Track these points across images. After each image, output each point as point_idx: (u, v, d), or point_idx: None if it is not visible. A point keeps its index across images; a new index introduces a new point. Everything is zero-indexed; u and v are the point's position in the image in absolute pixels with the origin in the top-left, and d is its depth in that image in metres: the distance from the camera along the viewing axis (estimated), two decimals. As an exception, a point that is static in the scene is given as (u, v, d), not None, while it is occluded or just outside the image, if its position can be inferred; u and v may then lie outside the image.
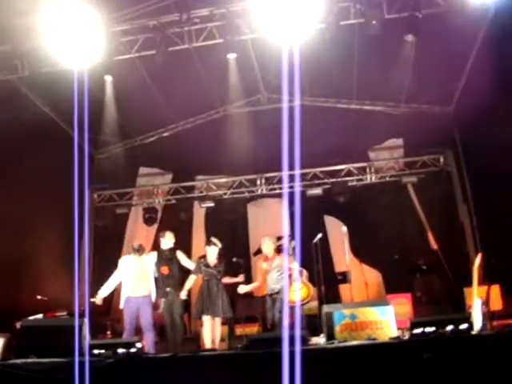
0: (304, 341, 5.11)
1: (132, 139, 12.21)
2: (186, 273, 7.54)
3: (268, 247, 7.56)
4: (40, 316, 7.79)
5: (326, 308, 5.93)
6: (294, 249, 7.85)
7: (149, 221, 12.03)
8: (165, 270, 7.37)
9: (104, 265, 10.65)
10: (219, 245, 7.43)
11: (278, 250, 7.84)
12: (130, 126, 11.55)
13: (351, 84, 10.47)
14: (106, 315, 9.89)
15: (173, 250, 7.57)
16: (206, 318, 7.11)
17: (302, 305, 7.84)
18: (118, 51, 8.49)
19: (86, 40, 7.66)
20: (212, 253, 7.38)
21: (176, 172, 12.50)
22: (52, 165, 9.12)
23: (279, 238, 8.83)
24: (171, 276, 7.35)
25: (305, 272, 7.90)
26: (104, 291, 7.43)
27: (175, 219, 11.59)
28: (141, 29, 8.36)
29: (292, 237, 7.85)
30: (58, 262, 8.72)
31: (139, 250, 7.48)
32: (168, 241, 7.55)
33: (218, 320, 7.21)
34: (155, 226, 12.04)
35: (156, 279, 7.41)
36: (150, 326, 7.14)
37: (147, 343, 6.94)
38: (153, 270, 7.43)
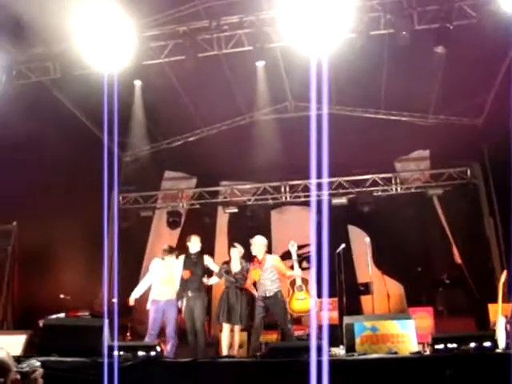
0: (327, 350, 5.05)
1: (158, 143, 12.28)
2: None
3: (259, 249, 7.32)
4: (62, 315, 7.86)
5: (346, 319, 5.87)
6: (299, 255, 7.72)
7: (172, 224, 12.08)
8: (186, 274, 7.34)
9: (126, 267, 10.76)
10: (241, 248, 7.38)
11: (301, 258, 7.75)
12: (157, 129, 11.64)
13: (379, 94, 10.39)
14: (128, 316, 9.92)
15: (200, 254, 7.52)
16: (225, 325, 7.11)
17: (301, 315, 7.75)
18: (147, 56, 8.58)
19: (116, 44, 7.74)
20: (235, 258, 7.34)
21: (201, 177, 12.55)
22: (81, 167, 9.25)
23: (302, 247, 8.77)
24: (192, 280, 7.29)
25: (309, 280, 7.78)
26: (136, 293, 7.50)
27: (199, 224, 11.60)
28: (171, 34, 8.42)
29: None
30: (81, 262, 8.81)
31: (169, 251, 7.47)
32: (194, 244, 7.50)
33: (237, 327, 7.17)
34: (178, 229, 12.09)
35: (181, 283, 7.40)
36: (173, 333, 7.13)
37: (168, 347, 6.93)
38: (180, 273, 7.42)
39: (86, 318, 8.11)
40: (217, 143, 11.52)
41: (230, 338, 7.10)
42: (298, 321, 9.20)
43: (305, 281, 7.69)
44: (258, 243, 7.30)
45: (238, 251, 7.39)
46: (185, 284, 7.28)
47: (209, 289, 7.56)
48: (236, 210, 11.85)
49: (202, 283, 7.30)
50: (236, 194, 12.18)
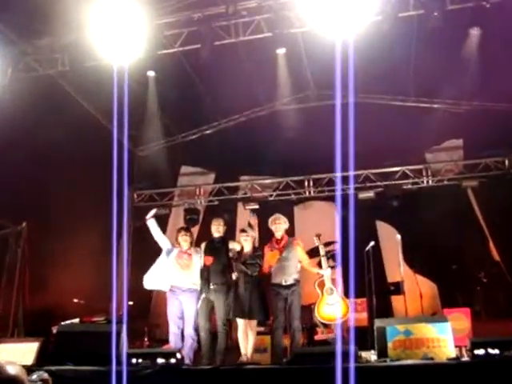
0: (354, 357, 4.97)
1: (174, 137, 12.28)
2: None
3: (278, 227, 7.00)
4: (77, 320, 7.87)
5: (378, 322, 5.78)
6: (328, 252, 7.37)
7: (190, 222, 12.03)
8: (208, 260, 6.84)
9: (141, 269, 10.77)
10: (252, 233, 7.04)
11: (329, 256, 7.54)
12: (172, 122, 11.65)
13: (408, 80, 10.23)
14: (144, 320, 9.95)
15: (224, 240, 7.06)
16: (240, 321, 6.70)
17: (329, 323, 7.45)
18: (161, 45, 8.54)
19: (128, 33, 7.69)
20: (247, 244, 6.91)
21: (219, 172, 12.53)
22: (92, 162, 9.26)
23: (328, 244, 8.67)
24: (215, 269, 6.76)
25: (340, 282, 7.22)
26: (150, 277, 7.05)
27: (217, 222, 11.58)
28: (185, 22, 8.36)
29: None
30: (95, 264, 8.83)
31: (185, 231, 7.15)
32: (217, 228, 7.09)
33: (252, 323, 6.74)
34: (197, 227, 12.07)
35: (201, 271, 6.86)
36: (193, 332, 6.66)
37: (185, 349, 6.58)
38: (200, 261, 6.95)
39: (101, 323, 8.10)
40: (235, 136, 11.50)
41: (244, 339, 6.69)
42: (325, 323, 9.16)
43: (334, 282, 7.34)
44: (278, 221, 7.01)
45: (249, 236, 6.97)
46: (207, 272, 6.77)
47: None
48: (257, 207, 11.77)
49: (227, 274, 6.78)
50: (256, 189, 12.13)
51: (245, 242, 6.95)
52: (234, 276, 6.80)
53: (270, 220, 7.11)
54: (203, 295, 6.74)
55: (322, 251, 7.17)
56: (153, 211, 7.39)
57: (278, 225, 7.02)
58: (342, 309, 6.95)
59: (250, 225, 8.08)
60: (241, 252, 6.95)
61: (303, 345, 8.68)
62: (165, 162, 12.16)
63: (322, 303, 6.97)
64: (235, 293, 6.69)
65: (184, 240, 7.05)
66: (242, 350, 6.66)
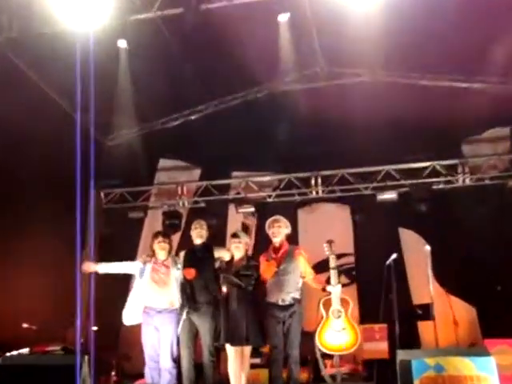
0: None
1: (150, 123, 12.25)
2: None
3: (277, 231, 6.92)
4: (26, 351, 7.80)
5: (401, 354, 5.73)
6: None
7: (170, 228, 12.00)
8: (189, 273, 6.75)
9: (111, 285, 10.73)
10: (246, 238, 6.95)
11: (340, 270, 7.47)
12: (149, 105, 11.56)
13: (441, 54, 10.16)
14: (112, 350, 9.91)
15: (207, 248, 6.96)
16: (231, 349, 6.61)
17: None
18: (135, 9, 8.49)
19: (93, -6, 7.65)
20: (238, 252, 6.83)
21: (206, 166, 12.56)
22: (48, 152, 9.20)
23: (339, 256, 8.63)
24: (198, 284, 6.72)
25: (351, 303, 7.18)
26: (129, 309, 6.93)
27: (204, 227, 11.55)
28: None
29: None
30: (52, 281, 8.78)
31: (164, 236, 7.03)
32: (197, 233, 7.00)
33: (246, 351, 6.68)
34: (178, 235, 12.02)
35: (182, 287, 6.77)
36: (170, 363, 6.57)
37: None
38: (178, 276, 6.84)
39: (57, 354, 8.05)
40: (227, 122, 11.43)
41: (236, 369, 6.62)
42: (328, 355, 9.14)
43: (344, 303, 7.25)
44: (277, 223, 6.94)
45: (242, 243, 6.87)
46: (189, 288, 6.69)
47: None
48: (252, 210, 11.74)
49: (214, 290, 6.73)
50: (252, 188, 12.09)
51: (236, 250, 6.86)
52: (224, 289, 6.73)
53: (268, 222, 7.04)
54: (184, 316, 6.64)
55: (333, 263, 7.12)
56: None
57: (277, 228, 6.96)
58: (351, 338, 6.90)
59: (244, 228, 7.96)
60: (231, 262, 6.86)
61: (307, 382, 8.68)
62: (139, 153, 12.08)
63: (325, 327, 6.94)
64: (225, 312, 6.61)
65: (161, 248, 6.94)
66: (233, 381, 6.62)
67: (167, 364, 6.57)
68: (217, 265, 6.89)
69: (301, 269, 6.86)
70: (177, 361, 6.62)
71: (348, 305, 7.10)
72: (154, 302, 6.74)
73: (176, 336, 6.63)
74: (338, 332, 6.89)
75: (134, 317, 6.87)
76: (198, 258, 6.90)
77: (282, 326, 6.61)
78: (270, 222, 7.01)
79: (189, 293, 6.70)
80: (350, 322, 7.00)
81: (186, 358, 6.65)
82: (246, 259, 6.86)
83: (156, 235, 7.15)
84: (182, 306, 6.68)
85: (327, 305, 7.00)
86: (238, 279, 6.67)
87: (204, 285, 6.73)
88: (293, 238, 11.74)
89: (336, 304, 6.94)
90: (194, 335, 6.75)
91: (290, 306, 6.64)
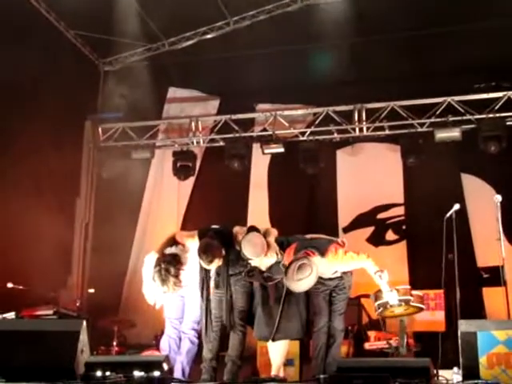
0: (426, 375, 4.96)
1: (158, 43, 12.25)
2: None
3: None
4: (12, 315, 7.91)
5: (464, 325, 5.67)
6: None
7: (182, 172, 12.05)
8: None
9: (112, 240, 10.84)
10: (274, 232, 6.84)
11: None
12: (156, 21, 11.48)
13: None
14: (112, 316, 10.02)
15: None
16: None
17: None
18: None
19: None
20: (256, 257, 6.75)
21: (225, 97, 12.54)
22: (36, 80, 9.21)
23: (386, 208, 8.52)
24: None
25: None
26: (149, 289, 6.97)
27: (223, 171, 11.65)
28: None
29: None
30: (42, 232, 8.85)
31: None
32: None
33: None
34: (192, 180, 12.06)
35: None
36: (193, 326, 6.84)
37: (180, 358, 6.75)
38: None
39: (49, 318, 8.15)
40: (250, 42, 11.40)
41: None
42: (375, 325, 9.18)
43: (407, 293, 7.08)
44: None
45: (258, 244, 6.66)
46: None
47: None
48: (282, 150, 11.72)
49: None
50: (282, 123, 12.03)
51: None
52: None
53: None
54: (212, 284, 6.82)
55: (385, 287, 6.84)
56: None
57: None
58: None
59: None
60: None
61: (348, 355, 8.77)
62: (144, 81, 12.01)
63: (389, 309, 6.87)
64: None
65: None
66: (273, 361, 6.77)
67: (189, 331, 6.82)
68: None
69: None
70: (200, 329, 6.81)
71: (408, 293, 6.96)
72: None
73: (204, 302, 6.76)
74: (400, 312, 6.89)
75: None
76: None
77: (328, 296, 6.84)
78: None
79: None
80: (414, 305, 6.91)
81: (211, 326, 6.74)
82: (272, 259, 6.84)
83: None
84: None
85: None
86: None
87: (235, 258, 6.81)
88: (330, 185, 11.89)
89: (394, 300, 6.79)
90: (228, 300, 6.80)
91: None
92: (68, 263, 11.20)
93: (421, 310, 6.88)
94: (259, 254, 6.47)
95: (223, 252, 6.57)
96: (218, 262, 6.52)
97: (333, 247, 6.64)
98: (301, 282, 6.20)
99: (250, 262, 6.60)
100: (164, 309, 6.97)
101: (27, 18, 9.66)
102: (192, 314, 6.88)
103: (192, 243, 6.87)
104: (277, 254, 6.63)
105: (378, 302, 6.72)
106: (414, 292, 6.78)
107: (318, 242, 6.77)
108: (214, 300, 6.75)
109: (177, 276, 6.64)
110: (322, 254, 6.50)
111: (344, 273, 6.78)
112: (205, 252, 6.45)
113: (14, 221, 9.21)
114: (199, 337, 6.83)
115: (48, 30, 9.87)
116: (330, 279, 6.78)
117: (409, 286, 6.98)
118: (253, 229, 6.74)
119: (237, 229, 6.81)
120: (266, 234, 6.65)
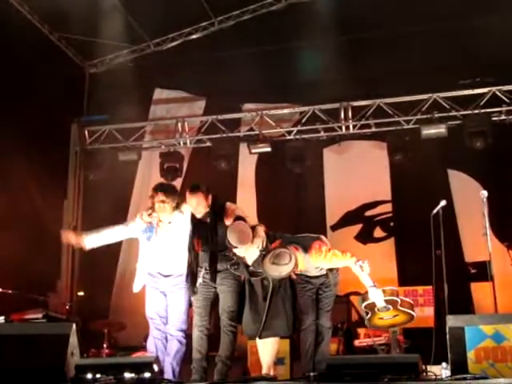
0: (415, 371, 4.97)
1: (144, 44, 12.25)
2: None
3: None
4: (1, 319, 7.89)
5: (452, 320, 5.68)
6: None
7: (169, 173, 12.03)
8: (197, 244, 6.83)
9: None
10: (239, 246, 6.65)
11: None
12: (141, 23, 11.47)
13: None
14: (103, 318, 10.03)
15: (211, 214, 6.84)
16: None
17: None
18: None
19: None
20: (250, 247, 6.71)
21: (211, 97, 12.53)
22: (21, 82, 9.19)
23: (373, 205, 8.54)
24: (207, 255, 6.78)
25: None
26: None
27: (210, 171, 11.58)
28: None
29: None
30: (31, 236, 8.83)
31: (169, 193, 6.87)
32: (194, 203, 6.81)
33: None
34: (179, 180, 12.05)
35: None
36: (181, 326, 6.74)
37: (168, 359, 6.69)
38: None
39: (38, 322, 8.13)
40: (236, 42, 11.40)
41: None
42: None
43: (393, 294, 7.07)
44: None
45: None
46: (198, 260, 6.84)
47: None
48: (269, 149, 11.72)
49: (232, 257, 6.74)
50: (268, 123, 12.02)
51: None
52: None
53: None
54: (200, 280, 6.75)
55: (368, 283, 6.83)
56: None
57: None
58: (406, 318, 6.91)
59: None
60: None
61: (338, 352, 8.79)
62: (130, 83, 12.03)
63: (376, 317, 6.88)
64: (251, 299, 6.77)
65: (161, 209, 6.81)
66: (263, 360, 6.76)
67: (176, 332, 6.76)
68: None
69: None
70: (187, 329, 6.80)
71: (396, 294, 6.98)
72: (162, 265, 6.86)
73: (187, 302, 6.78)
74: (388, 319, 6.86)
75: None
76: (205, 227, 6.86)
77: (315, 294, 6.89)
78: None
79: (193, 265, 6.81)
80: (402, 310, 6.91)
81: (198, 325, 6.75)
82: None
83: (155, 191, 6.98)
84: (198, 268, 6.78)
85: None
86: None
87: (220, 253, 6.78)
88: (317, 184, 11.92)
89: (380, 302, 6.81)
90: (211, 301, 6.83)
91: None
92: (57, 266, 11.19)
93: (411, 317, 6.82)
94: (245, 242, 6.45)
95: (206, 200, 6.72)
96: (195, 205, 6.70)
97: (317, 244, 6.68)
98: (275, 267, 6.23)
99: (235, 251, 6.57)
100: (146, 309, 6.88)
101: (10, 22, 9.62)
102: (177, 314, 6.78)
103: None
104: (262, 244, 6.57)
105: (365, 303, 6.76)
106: (405, 298, 6.85)
107: (302, 239, 6.80)
108: (201, 298, 6.76)
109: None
110: (306, 250, 6.54)
111: (329, 270, 6.83)
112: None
113: (1, 225, 9.19)
114: (186, 337, 6.79)
115: (32, 32, 9.84)
116: (316, 277, 6.85)
117: (396, 288, 7.02)
118: (241, 218, 6.71)
119: (229, 204, 6.88)
120: (253, 227, 6.62)
